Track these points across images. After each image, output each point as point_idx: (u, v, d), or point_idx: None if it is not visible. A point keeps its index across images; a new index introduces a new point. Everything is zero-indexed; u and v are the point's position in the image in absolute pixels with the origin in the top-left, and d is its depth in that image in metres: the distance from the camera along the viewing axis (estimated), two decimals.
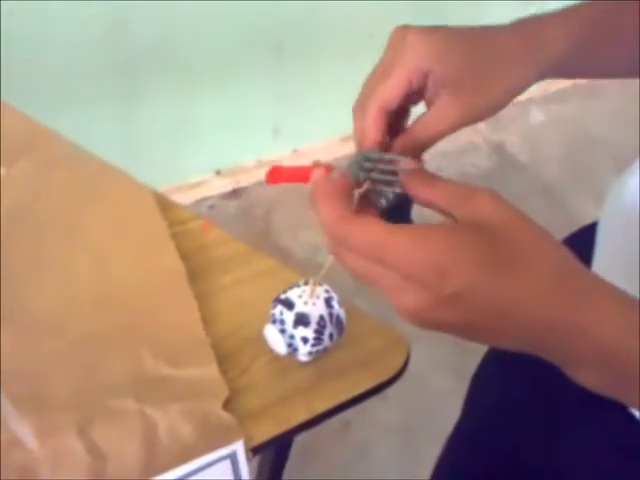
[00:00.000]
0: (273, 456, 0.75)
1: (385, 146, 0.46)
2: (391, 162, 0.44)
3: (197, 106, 1.75)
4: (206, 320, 0.66)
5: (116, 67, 1.55)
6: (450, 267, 0.35)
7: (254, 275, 0.73)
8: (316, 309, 0.62)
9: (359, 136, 0.46)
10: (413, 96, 0.47)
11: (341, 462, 1.46)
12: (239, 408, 0.61)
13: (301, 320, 0.61)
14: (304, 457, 1.39)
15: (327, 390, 0.64)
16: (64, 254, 0.70)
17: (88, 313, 0.65)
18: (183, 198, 1.79)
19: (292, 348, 0.63)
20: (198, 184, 1.89)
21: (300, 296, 0.62)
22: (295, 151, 2.04)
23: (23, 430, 0.56)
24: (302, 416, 0.62)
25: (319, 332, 0.62)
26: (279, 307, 0.62)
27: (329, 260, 0.44)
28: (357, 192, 0.43)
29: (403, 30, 0.46)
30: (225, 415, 0.59)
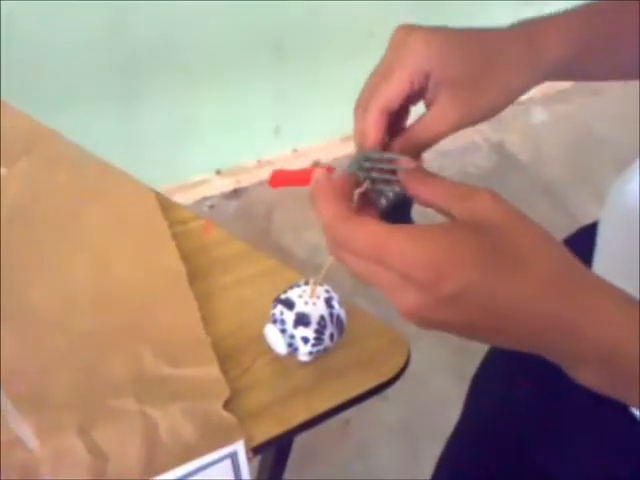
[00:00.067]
0: (273, 456, 0.75)
1: (385, 146, 0.46)
2: (391, 161, 0.44)
3: (197, 106, 1.75)
4: (207, 320, 0.66)
5: (116, 67, 1.55)
6: (449, 267, 0.35)
7: (254, 275, 0.73)
8: (316, 309, 0.62)
9: (360, 137, 0.46)
10: (413, 96, 0.47)
11: (341, 462, 1.46)
12: (239, 408, 0.61)
13: (301, 320, 0.61)
14: (304, 457, 1.39)
15: (327, 390, 0.64)
16: (64, 254, 0.70)
17: (88, 313, 0.65)
18: (183, 198, 1.79)
19: (292, 348, 0.63)
20: (198, 184, 1.89)
21: (300, 296, 0.62)
22: (295, 151, 2.04)
23: (24, 430, 0.56)
24: (302, 416, 0.62)
25: (319, 332, 0.62)
26: (279, 307, 0.62)
27: (329, 260, 0.44)
28: (357, 191, 0.43)
29: (404, 30, 0.46)
30: (226, 415, 0.59)
